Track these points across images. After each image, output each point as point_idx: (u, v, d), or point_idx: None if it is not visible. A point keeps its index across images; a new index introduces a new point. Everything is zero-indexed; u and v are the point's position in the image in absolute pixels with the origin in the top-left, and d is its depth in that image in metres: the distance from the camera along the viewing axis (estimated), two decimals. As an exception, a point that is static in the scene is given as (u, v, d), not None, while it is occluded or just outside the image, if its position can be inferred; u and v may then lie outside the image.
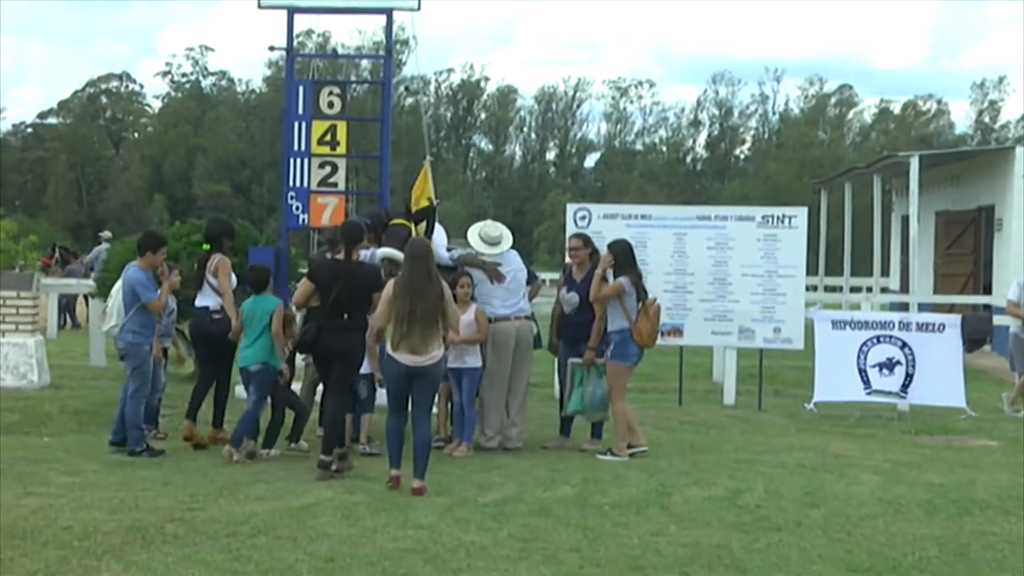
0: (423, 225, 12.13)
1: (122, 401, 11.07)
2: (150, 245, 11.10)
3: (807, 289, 18.38)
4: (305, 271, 13.43)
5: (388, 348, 9.49)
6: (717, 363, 17.40)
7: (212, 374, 11.50)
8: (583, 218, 14.92)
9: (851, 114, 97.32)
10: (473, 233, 11.77)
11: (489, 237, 11.68)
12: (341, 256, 10.23)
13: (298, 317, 11.20)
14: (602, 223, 14.82)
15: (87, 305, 18.25)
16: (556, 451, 11.47)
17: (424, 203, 12.59)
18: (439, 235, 12.27)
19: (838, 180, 33.55)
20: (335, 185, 13.92)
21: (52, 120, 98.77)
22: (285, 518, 8.15)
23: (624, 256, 11.31)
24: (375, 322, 9.77)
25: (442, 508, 8.58)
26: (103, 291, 15.53)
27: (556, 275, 13.04)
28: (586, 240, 11.92)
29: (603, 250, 11.57)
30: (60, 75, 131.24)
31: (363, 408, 11.06)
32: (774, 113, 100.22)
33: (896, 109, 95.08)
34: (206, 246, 11.67)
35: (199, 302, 11.43)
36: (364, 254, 10.77)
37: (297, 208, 13.87)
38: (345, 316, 9.93)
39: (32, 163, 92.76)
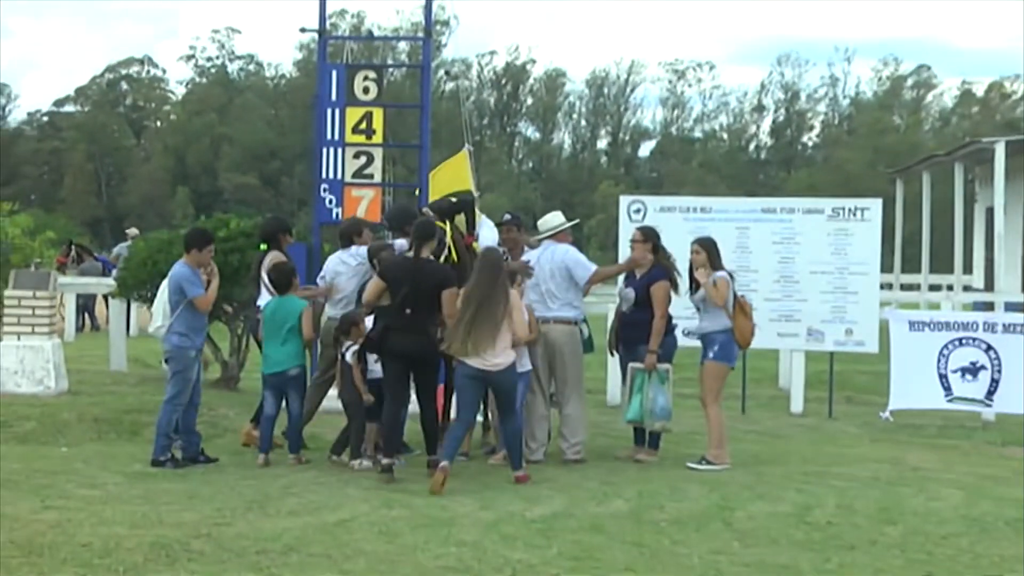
0: (460, 219, 12.09)
1: (183, 413, 11.13)
2: (197, 242, 11.17)
3: (882, 287, 18.25)
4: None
5: (454, 353, 10.30)
6: (783, 368, 17.32)
7: None
8: (637, 211, 14.91)
9: (929, 97, 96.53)
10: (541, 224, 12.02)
11: (542, 223, 11.90)
12: (412, 254, 10.61)
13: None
14: (658, 217, 14.80)
15: (107, 306, 18.40)
16: (609, 463, 11.44)
17: (456, 188, 12.64)
18: (488, 230, 12.29)
19: (915, 169, 33.33)
20: (371, 177, 13.97)
21: (69, 108, 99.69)
22: (318, 534, 8.18)
23: (716, 251, 11.44)
24: (364, 299, 10.61)
25: (487, 524, 8.58)
26: (123, 291, 15.67)
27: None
28: (646, 233, 11.80)
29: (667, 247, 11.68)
30: (77, 60, 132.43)
31: (371, 416, 11.05)
32: (845, 97, 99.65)
33: (979, 91, 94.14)
34: (263, 246, 11.87)
35: (260, 302, 11.68)
36: (398, 243, 11.30)
37: (330, 202, 13.94)
38: (408, 312, 10.33)
39: (48, 154, 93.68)
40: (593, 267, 11.63)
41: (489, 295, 10.21)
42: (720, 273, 11.30)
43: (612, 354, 12.27)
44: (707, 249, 11.41)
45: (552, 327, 11.42)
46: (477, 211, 12.60)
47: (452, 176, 14.01)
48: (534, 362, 11.25)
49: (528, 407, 11.30)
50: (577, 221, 12.44)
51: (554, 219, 11.94)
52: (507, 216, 12.29)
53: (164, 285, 11.38)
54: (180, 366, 11.01)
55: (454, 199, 12.48)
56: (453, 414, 12.04)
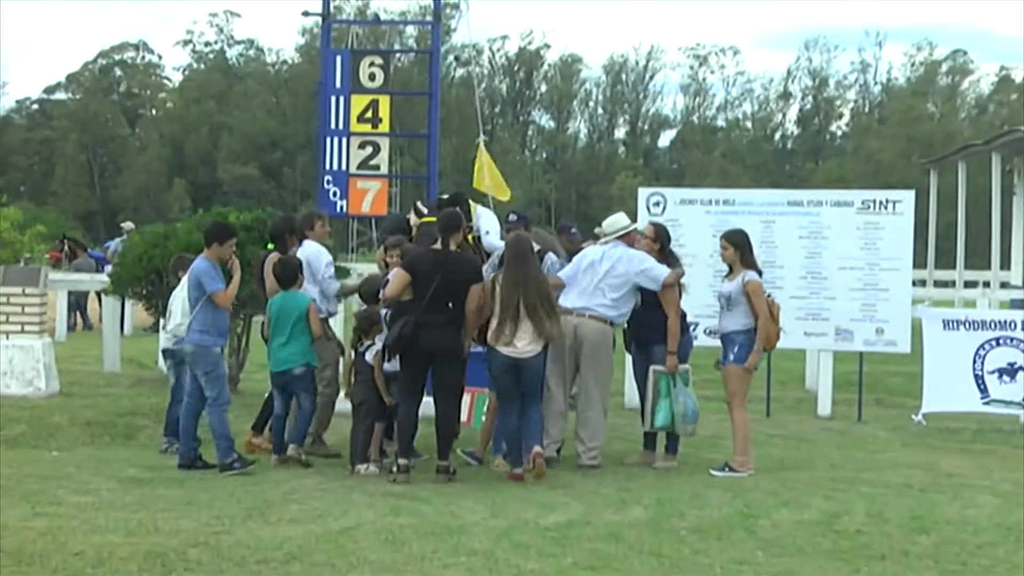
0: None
1: (185, 415, 11.17)
2: (218, 235, 11.18)
3: (914, 284, 18.24)
4: (344, 265, 13.56)
5: (491, 342, 10.67)
6: (810, 368, 17.30)
7: None
8: (657, 204, 14.91)
9: (965, 83, 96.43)
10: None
11: (606, 224, 11.93)
12: (439, 246, 10.68)
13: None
14: (679, 210, 14.81)
15: (100, 303, 18.47)
16: (627, 468, 11.45)
17: (502, 193, 12.71)
18: (488, 221, 12.33)
19: (951, 159, 33.25)
20: (377, 168, 14.01)
21: (60, 95, 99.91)
22: (322, 543, 8.19)
23: (747, 247, 11.37)
24: (387, 293, 10.68)
25: (498, 532, 8.58)
26: (118, 287, 15.69)
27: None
28: (658, 232, 11.80)
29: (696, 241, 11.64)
30: (69, 44, 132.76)
31: (379, 417, 11.09)
32: (876, 83, 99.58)
33: (1018, 77, 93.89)
34: (270, 245, 11.95)
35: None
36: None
37: (334, 194, 13.98)
38: (449, 306, 10.48)
39: (38, 144, 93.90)
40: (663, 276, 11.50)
41: (528, 281, 10.61)
42: (751, 274, 11.23)
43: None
44: (736, 244, 11.32)
45: (585, 321, 11.39)
46: (471, 203, 12.61)
47: (493, 179, 14.06)
48: (559, 355, 11.31)
49: (544, 402, 11.27)
50: (636, 226, 12.44)
51: (621, 220, 11.96)
52: (513, 216, 12.30)
53: (184, 281, 11.35)
54: (208, 366, 11.00)
55: (444, 195, 12.58)
56: (464, 417, 12.07)
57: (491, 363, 10.84)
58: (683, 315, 11.51)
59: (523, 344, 10.60)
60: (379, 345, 10.93)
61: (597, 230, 12.19)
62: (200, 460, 11.11)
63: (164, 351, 12.38)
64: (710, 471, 11.15)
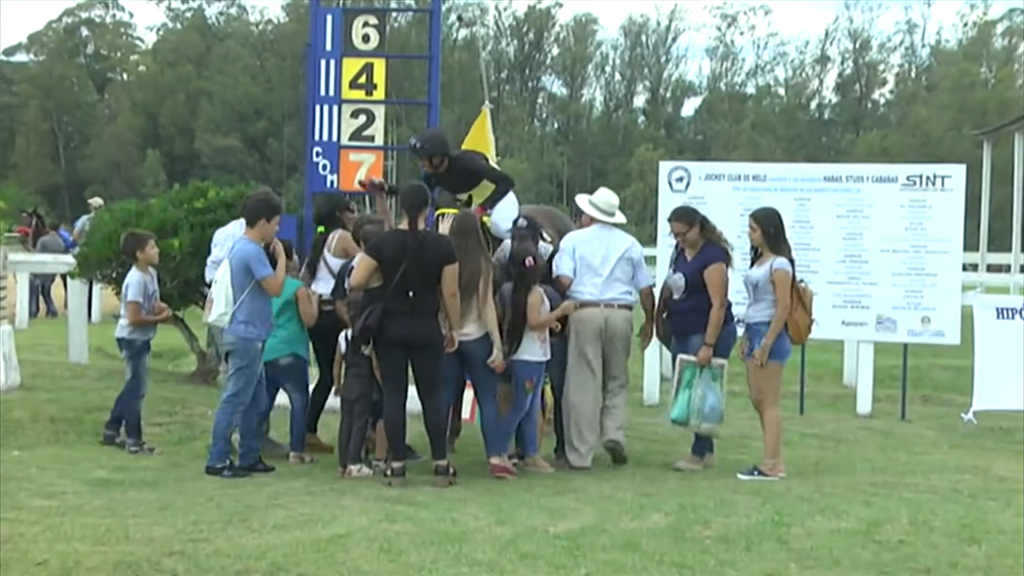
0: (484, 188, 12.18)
1: (246, 415, 11.16)
2: (264, 211, 11.02)
3: (965, 268, 18.23)
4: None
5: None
6: (849, 361, 17.31)
7: (330, 374, 11.91)
8: (680, 180, 14.92)
9: (1023, 47, 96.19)
10: (582, 201, 12.20)
11: (607, 204, 12.03)
12: (405, 226, 10.60)
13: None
14: (704, 186, 14.81)
15: (65, 287, 18.52)
16: (645, 471, 11.47)
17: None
18: (510, 206, 12.31)
19: (1006, 130, 33.21)
20: (371, 139, 14.00)
21: (21, 57, 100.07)
22: (310, 551, 8.21)
23: (777, 229, 11.33)
24: (352, 281, 10.73)
25: (504, 540, 8.60)
26: (85, 270, 15.71)
27: (648, 251, 13.02)
28: (690, 218, 11.75)
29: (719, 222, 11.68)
30: (31, 2, 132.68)
31: (377, 413, 11.15)
32: (924, 46, 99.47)
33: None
34: (321, 229, 12.20)
35: (320, 290, 11.96)
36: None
37: (324, 167, 13.97)
38: (412, 296, 10.42)
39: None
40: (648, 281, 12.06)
41: (465, 261, 10.70)
42: (780, 262, 11.18)
43: (663, 345, 12.37)
44: (764, 226, 11.28)
45: (616, 312, 11.66)
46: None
47: (474, 143, 13.99)
48: (587, 348, 11.51)
49: (575, 401, 11.52)
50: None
51: (614, 201, 12.14)
52: (522, 222, 12.21)
53: (224, 268, 11.04)
54: (244, 360, 10.96)
55: (495, 165, 12.60)
56: (466, 414, 12.12)
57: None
58: (728, 305, 11.50)
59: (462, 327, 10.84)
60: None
61: (592, 211, 12.03)
62: (261, 463, 11.20)
63: (120, 340, 12.37)
64: (737, 475, 11.17)
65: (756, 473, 11.11)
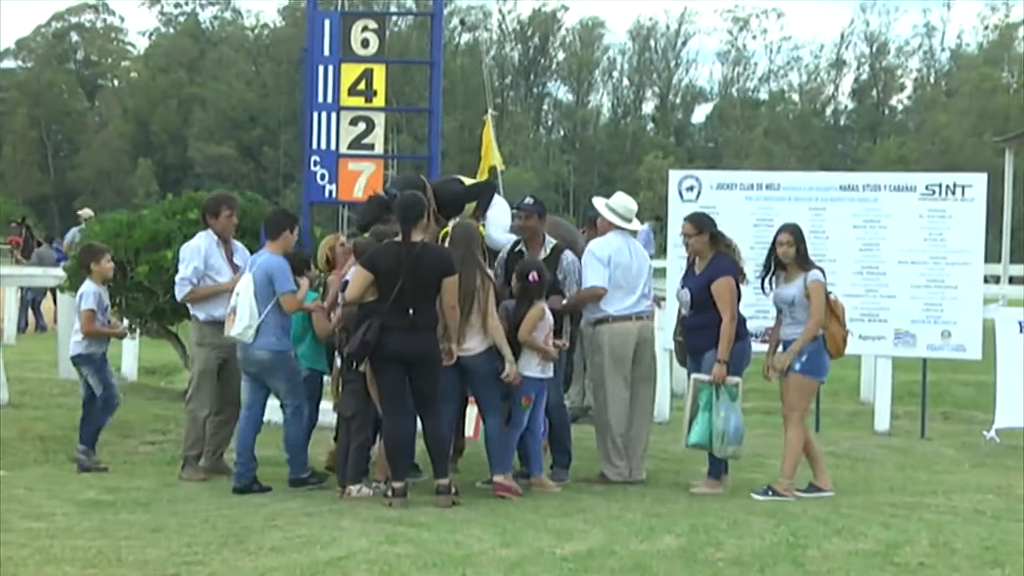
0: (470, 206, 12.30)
1: (244, 431, 11.32)
2: (287, 223, 11.34)
3: (986, 281, 18.20)
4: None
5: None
6: (866, 377, 17.28)
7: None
8: (690, 189, 14.91)
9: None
10: (600, 203, 12.34)
11: (626, 210, 12.11)
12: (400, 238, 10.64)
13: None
14: (715, 195, 14.79)
15: (55, 301, 18.54)
16: (655, 491, 11.46)
17: (486, 173, 12.71)
18: (501, 213, 12.37)
19: (1028, 137, 33.17)
20: (371, 147, 14.01)
21: (8, 63, 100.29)
22: (308, 574, 8.22)
23: (806, 243, 11.40)
24: (348, 295, 10.73)
25: (509, 563, 8.60)
26: (75, 283, 15.71)
27: (657, 264, 13.06)
28: (700, 223, 11.75)
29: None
30: (18, 5, 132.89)
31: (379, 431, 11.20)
32: (943, 49, 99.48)
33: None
34: (365, 235, 12.19)
35: None
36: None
37: (322, 177, 13.98)
38: (411, 311, 10.44)
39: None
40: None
41: (463, 274, 10.74)
42: (814, 274, 11.22)
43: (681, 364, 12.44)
44: (799, 241, 11.29)
45: (645, 323, 12.02)
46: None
47: (486, 156, 14.07)
48: (623, 363, 11.77)
49: (612, 416, 11.80)
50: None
51: (633, 207, 12.25)
52: (528, 199, 12.20)
53: (247, 279, 11.13)
54: (287, 374, 11.23)
55: (467, 182, 12.63)
56: (470, 431, 12.15)
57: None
58: (742, 320, 11.49)
59: (463, 341, 10.88)
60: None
61: (612, 216, 12.10)
62: (257, 483, 11.23)
63: (77, 357, 12.36)
64: (751, 494, 11.16)
65: (770, 492, 11.10)
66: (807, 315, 11.14)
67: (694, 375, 11.36)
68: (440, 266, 10.54)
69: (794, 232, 11.33)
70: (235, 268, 11.73)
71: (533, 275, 11.16)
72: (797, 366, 11.17)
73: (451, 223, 11.92)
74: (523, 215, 11.94)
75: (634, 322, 11.78)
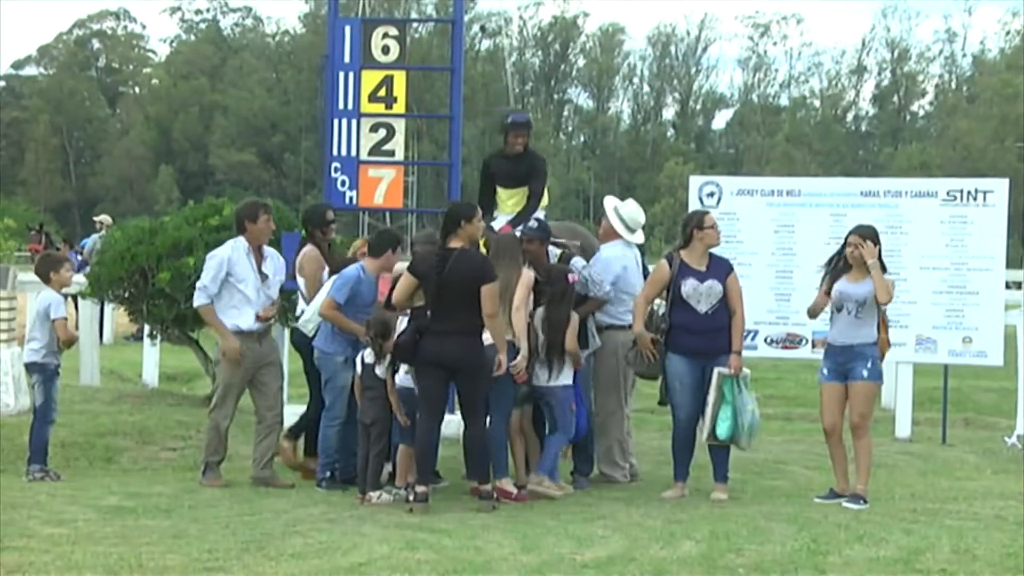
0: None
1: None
2: (389, 243, 11.75)
3: (1008, 287, 18.16)
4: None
5: None
6: (887, 383, 17.24)
7: (319, 394, 12.14)
8: (711, 195, 14.90)
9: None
10: (610, 205, 12.42)
11: (633, 221, 12.33)
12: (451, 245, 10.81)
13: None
14: (736, 201, 14.78)
15: (76, 307, 18.59)
16: (674, 499, 11.46)
17: None
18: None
19: (1049, 143, 33.08)
20: (391, 153, 14.02)
21: (31, 71, 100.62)
22: (328, 581, 8.23)
23: (880, 244, 11.32)
24: (393, 299, 10.98)
25: (529, 569, 8.59)
26: (96, 290, 15.74)
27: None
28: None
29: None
30: (41, 13, 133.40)
31: (402, 437, 11.25)
32: (964, 55, 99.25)
33: None
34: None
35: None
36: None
37: (343, 183, 13.99)
38: (439, 316, 10.59)
39: (6, 126, 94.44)
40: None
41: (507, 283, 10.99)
42: (891, 275, 11.28)
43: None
44: (877, 243, 11.20)
45: (629, 332, 11.89)
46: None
47: None
48: (622, 368, 11.98)
49: (614, 421, 12.14)
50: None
51: (641, 219, 12.42)
52: (532, 223, 12.10)
53: (332, 280, 11.75)
54: (327, 374, 11.65)
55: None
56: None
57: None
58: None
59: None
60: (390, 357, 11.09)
61: (618, 225, 12.17)
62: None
63: (31, 365, 12.36)
64: (815, 499, 11.16)
65: (861, 502, 11.02)
66: (873, 318, 11.11)
67: (718, 368, 11.29)
68: (476, 273, 10.62)
69: (862, 233, 11.25)
70: (264, 277, 11.74)
71: (572, 276, 11.45)
72: (865, 372, 11.12)
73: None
74: (525, 239, 11.92)
75: (627, 332, 11.82)
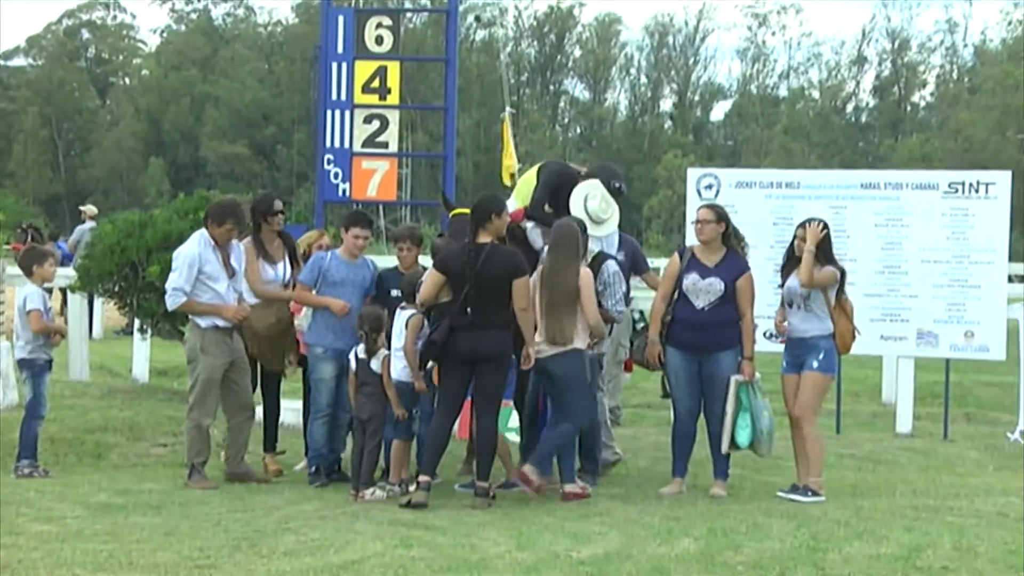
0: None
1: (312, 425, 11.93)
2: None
3: (1010, 280, 18.16)
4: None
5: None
6: (888, 378, 17.26)
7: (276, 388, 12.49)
8: (709, 187, 14.90)
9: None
10: (578, 200, 12.03)
11: (596, 215, 12.00)
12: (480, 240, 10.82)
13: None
14: (734, 194, 14.77)
15: (64, 301, 18.57)
16: (672, 495, 11.46)
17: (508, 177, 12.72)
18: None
19: (1052, 135, 33.09)
20: (385, 145, 14.03)
21: (19, 61, 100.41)
22: (321, 579, 8.22)
23: (830, 239, 11.43)
24: (420, 297, 10.95)
25: (525, 567, 8.59)
26: (86, 283, 15.73)
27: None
28: (720, 213, 11.75)
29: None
30: (30, 4, 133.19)
31: (396, 432, 11.23)
32: (966, 46, 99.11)
33: None
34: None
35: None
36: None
37: (336, 175, 14.00)
38: (472, 311, 10.62)
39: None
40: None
41: (560, 279, 10.90)
42: (832, 266, 11.32)
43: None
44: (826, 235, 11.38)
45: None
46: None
47: (507, 157, 14.10)
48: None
49: (599, 407, 12.07)
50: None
51: (606, 210, 12.21)
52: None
53: None
54: (309, 366, 11.88)
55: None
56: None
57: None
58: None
59: (560, 342, 10.92)
60: (386, 351, 11.08)
61: (582, 217, 12.02)
62: (337, 470, 11.93)
63: (21, 361, 12.36)
64: (786, 495, 11.14)
65: (810, 493, 11.06)
66: (822, 309, 11.18)
67: (733, 376, 11.29)
68: (509, 268, 10.69)
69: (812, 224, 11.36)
70: (231, 272, 11.68)
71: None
72: (815, 363, 11.17)
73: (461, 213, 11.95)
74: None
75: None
